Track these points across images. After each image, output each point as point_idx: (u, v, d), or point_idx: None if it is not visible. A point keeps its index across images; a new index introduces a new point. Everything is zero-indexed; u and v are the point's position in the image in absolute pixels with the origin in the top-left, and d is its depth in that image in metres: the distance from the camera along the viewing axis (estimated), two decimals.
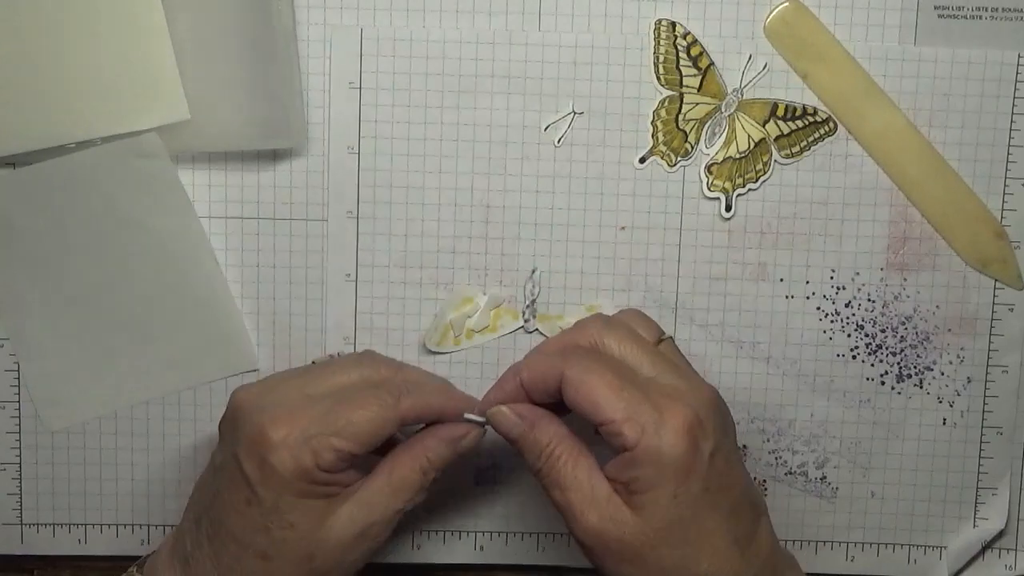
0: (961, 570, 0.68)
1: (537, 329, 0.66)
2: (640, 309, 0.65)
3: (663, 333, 0.60)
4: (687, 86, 0.65)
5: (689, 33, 0.65)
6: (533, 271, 0.66)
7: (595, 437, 0.56)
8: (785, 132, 0.65)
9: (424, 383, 0.60)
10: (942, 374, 0.67)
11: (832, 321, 0.66)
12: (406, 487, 0.58)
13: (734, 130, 0.65)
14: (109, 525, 0.68)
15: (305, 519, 0.56)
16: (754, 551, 0.56)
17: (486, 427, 0.59)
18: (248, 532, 0.56)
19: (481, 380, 0.67)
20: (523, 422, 0.58)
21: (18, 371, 0.66)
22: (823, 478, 0.68)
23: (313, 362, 0.63)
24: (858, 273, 0.66)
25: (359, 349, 0.66)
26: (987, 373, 0.67)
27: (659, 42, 0.65)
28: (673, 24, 0.65)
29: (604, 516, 0.55)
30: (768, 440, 0.67)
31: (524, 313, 0.66)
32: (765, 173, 0.65)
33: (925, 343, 0.67)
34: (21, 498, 0.67)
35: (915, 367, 0.67)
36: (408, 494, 0.58)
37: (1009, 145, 0.65)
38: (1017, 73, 0.65)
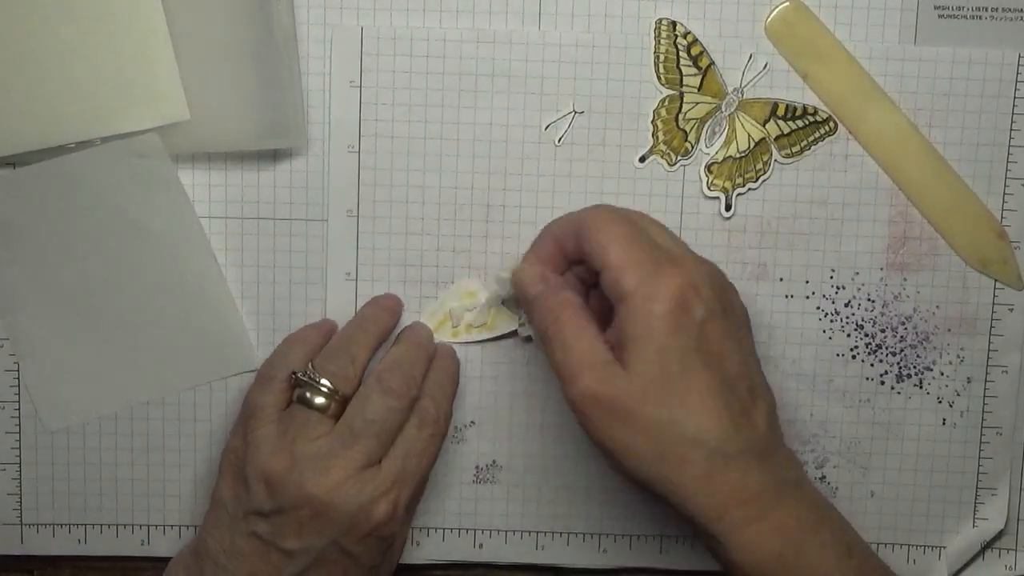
0: (961, 570, 0.68)
1: (530, 336, 0.66)
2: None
3: None
4: (687, 85, 0.65)
5: (689, 32, 0.64)
6: None
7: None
8: (785, 132, 0.65)
9: (442, 382, 0.65)
10: (942, 374, 0.67)
11: (832, 321, 0.66)
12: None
13: (734, 129, 0.65)
14: (109, 525, 0.68)
15: (390, 551, 0.64)
16: (748, 423, 0.56)
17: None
18: None
19: (480, 380, 0.67)
20: (543, 283, 0.60)
21: (18, 371, 0.66)
22: (822, 478, 0.68)
23: (295, 375, 0.63)
24: (858, 273, 0.66)
25: None
26: (987, 373, 0.67)
27: (659, 41, 0.65)
28: (673, 23, 0.65)
29: (598, 378, 0.56)
30: None
31: (521, 316, 0.66)
32: (765, 173, 0.65)
33: (925, 343, 0.67)
34: (21, 498, 0.67)
35: (915, 367, 0.67)
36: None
37: (1009, 145, 0.65)
38: (1017, 73, 0.65)
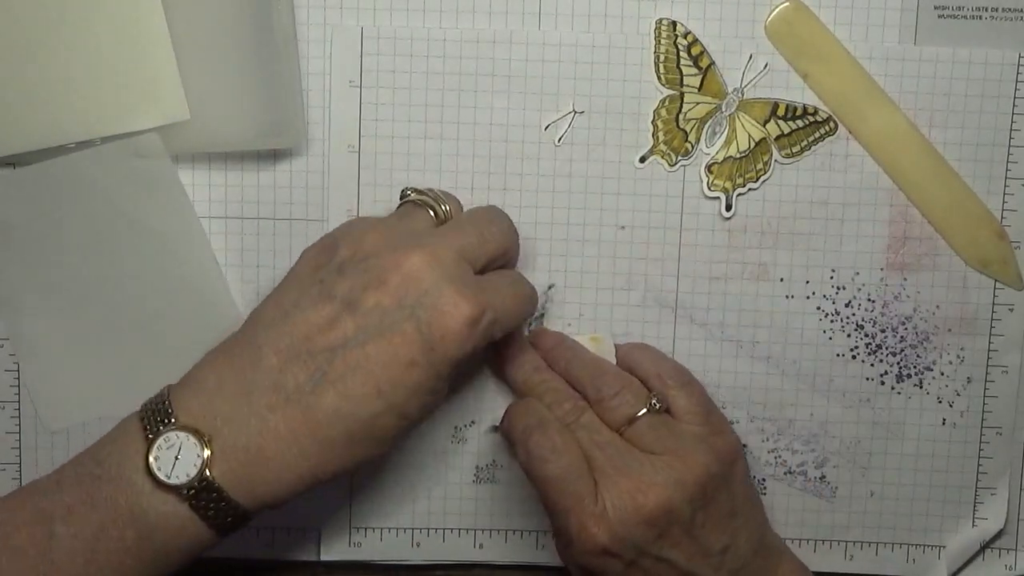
0: (960, 569, 0.68)
1: None
2: (649, 345, 0.67)
3: (649, 403, 0.61)
4: (688, 85, 0.65)
5: (690, 32, 0.64)
6: (549, 287, 0.66)
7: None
8: (785, 132, 0.65)
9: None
10: (942, 374, 0.67)
11: (832, 321, 0.66)
12: None
13: (734, 130, 0.65)
14: None
15: (445, 390, 0.57)
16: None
17: None
18: (398, 392, 0.55)
19: (481, 380, 0.67)
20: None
21: (18, 371, 0.66)
22: (822, 477, 0.68)
23: (409, 194, 0.62)
24: (858, 273, 0.66)
25: None
26: (987, 373, 0.67)
27: (660, 41, 0.65)
28: (674, 23, 0.65)
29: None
30: (768, 439, 0.67)
31: (531, 324, 0.66)
32: (765, 173, 0.65)
33: (925, 343, 0.67)
34: None
35: (915, 367, 0.67)
36: None
37: (1009, 145, 0.65)
38: (1017, 73, 0.65)
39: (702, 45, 0.65)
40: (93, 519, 0.54)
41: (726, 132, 0.65)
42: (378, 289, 0.55)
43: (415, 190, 0.62)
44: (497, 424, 0.65)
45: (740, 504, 0.61)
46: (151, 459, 0.54)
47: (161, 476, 0.54)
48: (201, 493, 0.54)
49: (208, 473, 0.54)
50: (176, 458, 0.54)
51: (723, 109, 0.65)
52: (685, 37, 0.64)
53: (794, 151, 0.65)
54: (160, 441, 0.54)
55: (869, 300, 0.66)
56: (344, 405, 0.54)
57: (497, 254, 0.60)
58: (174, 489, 0.54)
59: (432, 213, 0.60)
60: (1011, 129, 0.65)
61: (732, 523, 0.60)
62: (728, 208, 0.66)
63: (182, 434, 0.54)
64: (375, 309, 0.55)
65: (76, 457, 0.57)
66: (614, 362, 0.65)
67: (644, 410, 0.61)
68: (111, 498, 0.54)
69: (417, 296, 0.55)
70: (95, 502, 0.54)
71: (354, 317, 0.55)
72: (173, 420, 0.55)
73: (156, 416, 0.55)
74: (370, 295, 0.55)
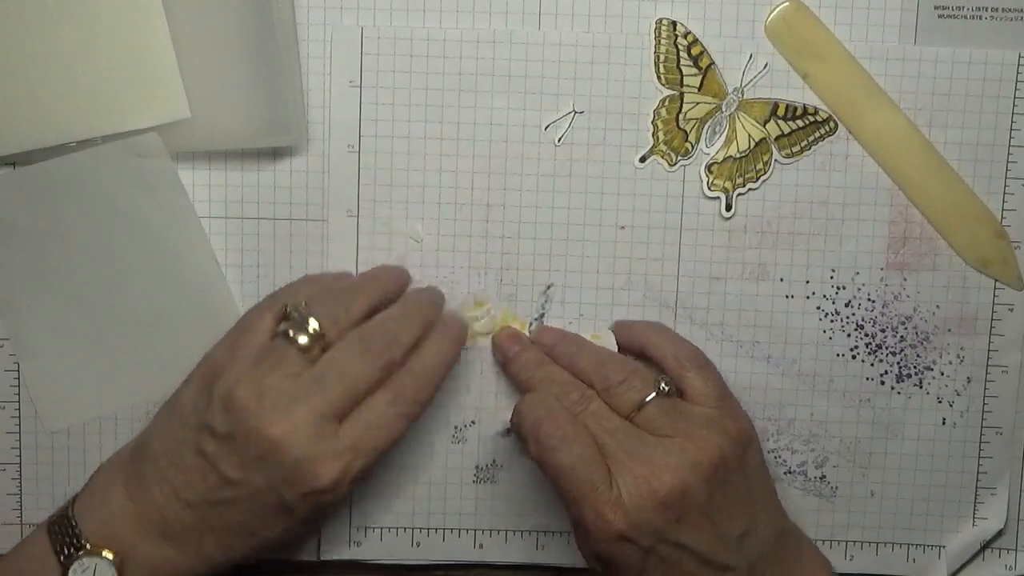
0: (960, 569, 0.68)
1: None
2: (666, 326, 0.67)
3: (658, 386, 0.61)
4: (688, 85, 0.65)
5: (690, 32, 0.64)
6: (548, 287, 0.66)
7: None
8: (785, 132, 0.65)
9: (433, 364, 0.61)
10: (942, 374, 0.67)
11: (832, 321, 0.66)
12: None
13: (734, 129, 0.65)
14: None
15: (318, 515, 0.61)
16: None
17: None
18: (274, 531, 0.60)
19: (481, 380, 0.67)
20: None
21: (18, 371, 0.66)
22: (822, 477, 0.68)
23: (291, 313, 0.60)
24: (858, 273, 0.66)
25: None
26: (987, 373, 0.67)
27: (660, 41, 0.65)
28: (674, 23, 0.65)
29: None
30: (768, 439, 0.67)
31: (531, 324, 0.66)
32: (765, 173, 0.65)
33: (925, 343, 0.67)
34: (21, 498, 0.67)
35: (915, 367, 0.67)
36: None
37: (1009, 145, 0.65)
38: (1017, 73, 0.65)
39: (702, 45, 0.65)
40: None
41: (726, 132, 0.65)
42: (243, 462, 0.58)
43: (288, 313, 0.60)
44: (508, 428, 0.64)
45: (756, 489, 0.61)
46: None
47: None
48: None
49: None
50: None
51: (723, 109, 0.65)
52: (685, 37, 0.65)
53: (794, 151, 0.65)
54: (75, 566, 0.58)
55: (869, 300, 0.66)
56: (225, 539, 0.59)
57: (372, 388, 0.59)
58: None
59: (303, 344, 0.59)
60: (1011, 129, 0.65)
61: (749, 508, 0.60)
62: (728, 208, 0.66)
63: (95, 558, 0.58)
64: (242, 481, 0.58)
65: None
66: None
67: (653, 394, 0.60)
68: None
69: (280, 473, 0.57)
70: None
71: (224, 481, 0.58)
72: (83, 542, 0.58)
73: (65, 537, 0.59)
74: (236, 466, 0.58)
